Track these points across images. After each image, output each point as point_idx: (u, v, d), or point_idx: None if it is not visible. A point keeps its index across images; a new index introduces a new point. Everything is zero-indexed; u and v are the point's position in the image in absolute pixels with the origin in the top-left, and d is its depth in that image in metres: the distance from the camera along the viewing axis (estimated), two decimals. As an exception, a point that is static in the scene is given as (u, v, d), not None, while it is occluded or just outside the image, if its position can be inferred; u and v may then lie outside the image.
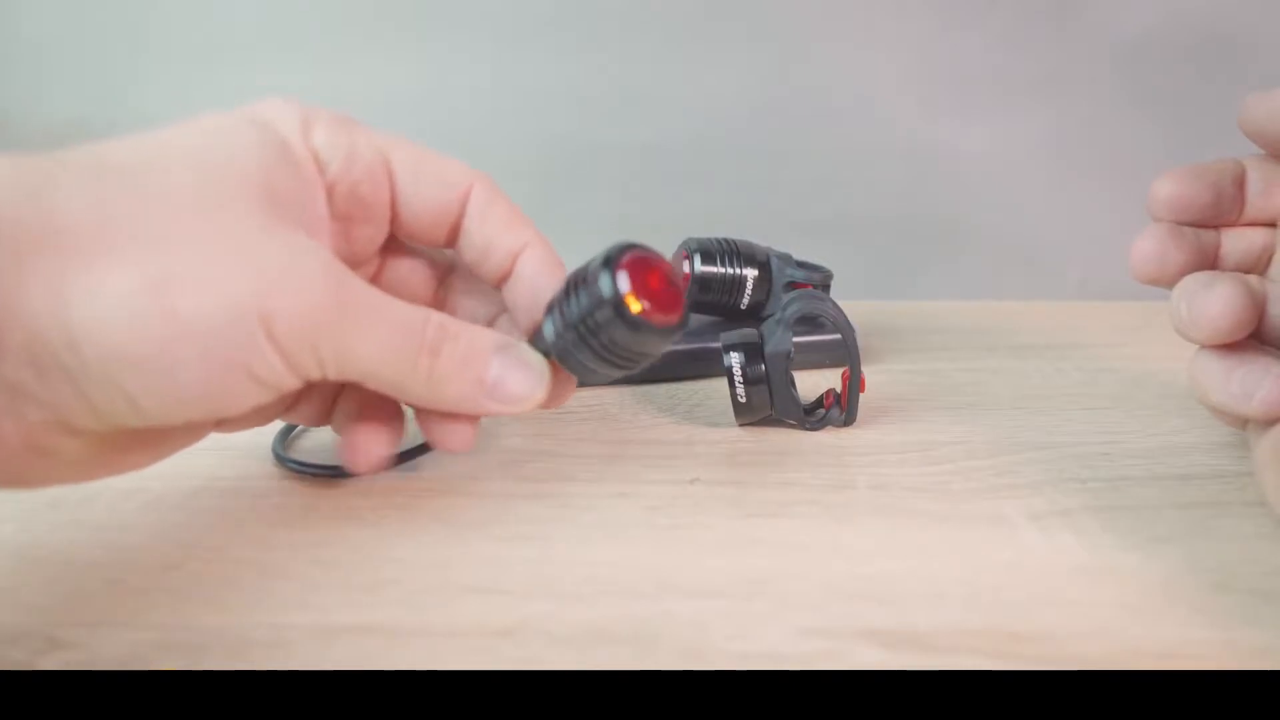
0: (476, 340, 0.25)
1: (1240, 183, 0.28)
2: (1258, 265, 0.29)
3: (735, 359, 0.31)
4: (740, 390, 0.32)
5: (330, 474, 0.29)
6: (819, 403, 0.33)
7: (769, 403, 0.32)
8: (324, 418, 0.28)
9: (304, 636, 0.21)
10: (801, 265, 0.39)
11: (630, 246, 0.25)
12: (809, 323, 0.37)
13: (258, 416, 0.27)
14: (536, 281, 0.27)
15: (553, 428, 0.33)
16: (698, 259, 0.37)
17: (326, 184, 0.25)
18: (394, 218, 0.27)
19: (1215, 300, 0.24)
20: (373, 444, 0.27)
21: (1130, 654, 0.21)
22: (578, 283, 0.25)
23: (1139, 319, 0.48)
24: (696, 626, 0.22)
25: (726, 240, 0.38)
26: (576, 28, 0.53)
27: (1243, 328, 0.24)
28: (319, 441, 0.32)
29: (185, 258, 0.20)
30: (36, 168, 0.20)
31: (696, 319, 0.40)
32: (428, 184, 0.27)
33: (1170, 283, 0.27)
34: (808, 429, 0.33)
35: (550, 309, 0.26)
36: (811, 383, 0.36)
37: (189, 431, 0.25)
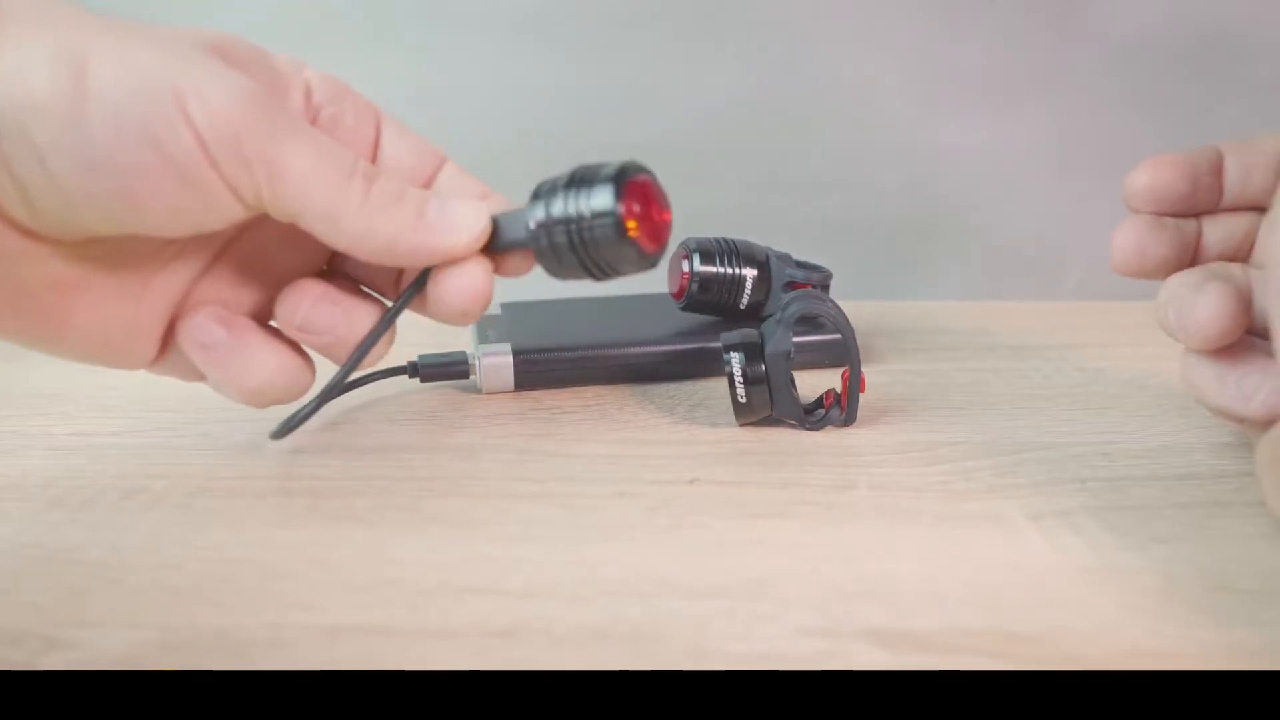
0: (412, 185, 0.25)
1: (1218, 170, 0.28)
2: (1239, 252, 0.29)
3: (735, 359, 0.31)
4: (740, 390, 0.32)
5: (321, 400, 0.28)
6: (819, 403, 0.33)
7: (769, 403, 0.32)
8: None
9: (304, 636, 0.21)
10: (801, 265, 0.39)
11: (640, 169, 0.26)
12: (809, 323, 0.37)
13: (197, 259, 0.26)
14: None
15: (553, 428, 0.33)
16: (697, 258, 0.37)
17: (314, 105, 0.26)
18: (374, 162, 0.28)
19: (1203, 306, 0.23)
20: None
21: (1130, 654, 0.21)
22: (579, 184, 0.25)
23: (1139, 319, 0.48)
24: (696, 626, 0.22)
25: (726, 240, 0.38)
26: (575, 27, 0.53)
27: (1233, 333, 0.24)
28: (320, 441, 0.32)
29: (106, 41, 0.21)
30: None
31: (696, 319, 0.40)
32: (409, 143, 0.28)
33: (1153, 274, 0.27)
34: (808, 429, 0.33)
35: (538, 197, 0.26)
36: (811, 383, 0.36)
37: (130, 276, 0.25)
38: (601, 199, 0.25)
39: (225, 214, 0.23)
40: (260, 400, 0.27)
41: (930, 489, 0.28)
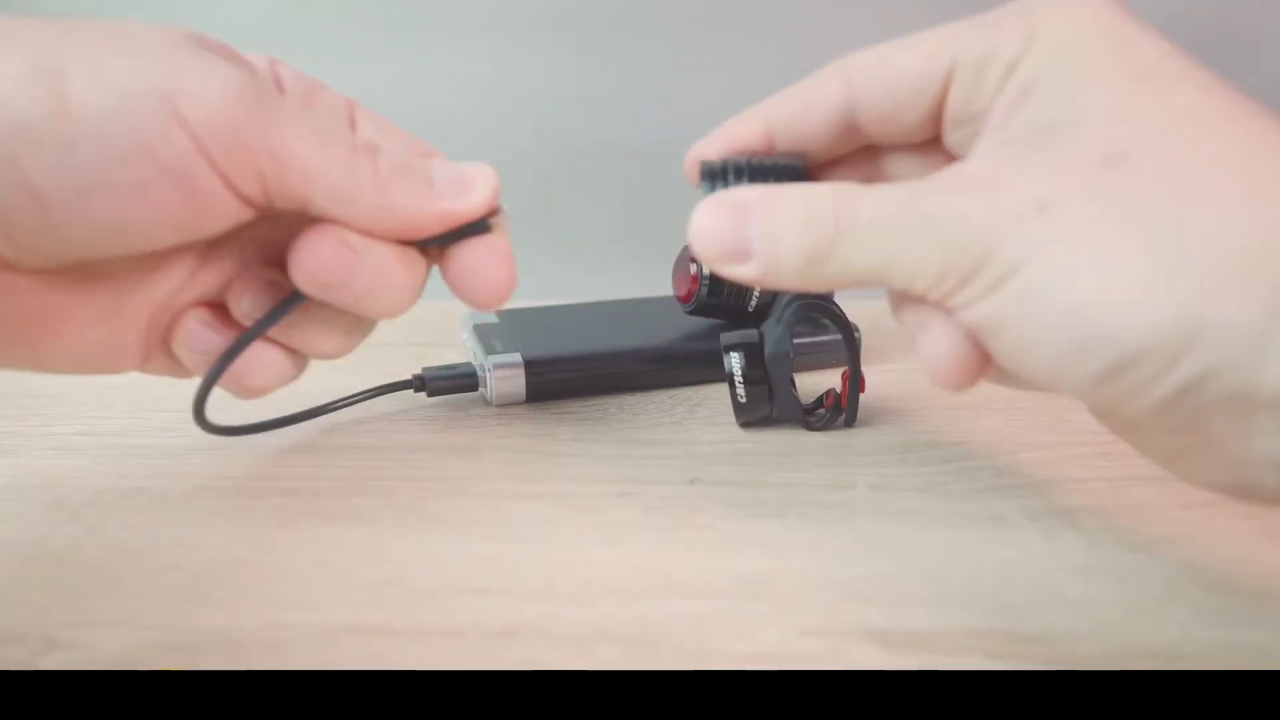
0: (405, 148, 0.24)
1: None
2: None
3: (735, 359, 0.31)
4: (740, 391, 0.32)
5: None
6: (819, 403, 0.33)
7: (769, 403, 0.32)
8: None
9: (304, 636, 0.21)
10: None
11: None
12: (809, 323, 0.37)
13: (176, 271, 0.25)
14: None
15: (553, 428, 0.33)
16: (704, 260, 0.37)
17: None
18: None
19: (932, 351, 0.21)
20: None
21: (1130, 654, 0.21)
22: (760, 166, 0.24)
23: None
24: (696, 626, 0.22)
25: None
26: (576, 28, 0.53)
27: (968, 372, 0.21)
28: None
29: (81, 49, 0.20)
30: None
31: (698, 323, 0.40)
32: (391, 138, 0.26)
33: None
34: (808, 429, 0.33)
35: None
36: (811, 383, 0.36)
37: (107, 297, 0.24)
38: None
39: (226, 217, 0.22)
40: (257, 396, 0.27)
41: (930, 489, 0.28)
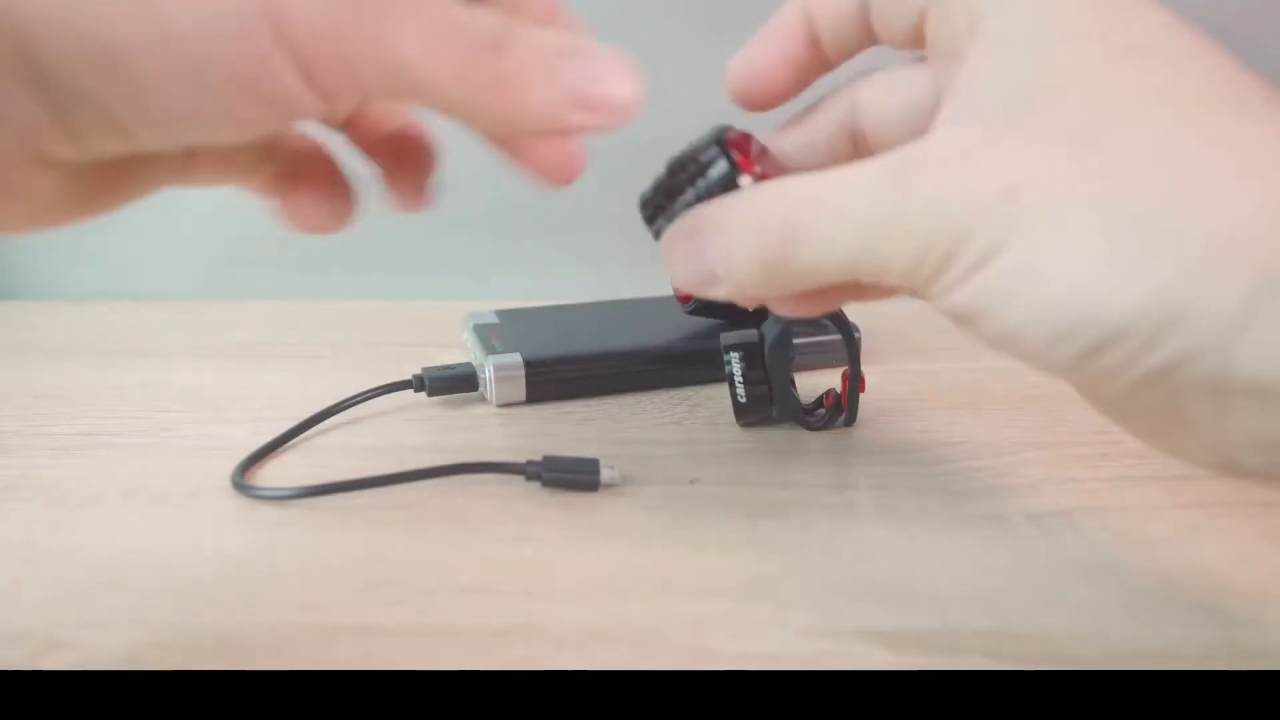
0: (550, 39, 0.20)
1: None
2: None
3: (735, 359, 0.31)
4: (740, 391, 0.32)
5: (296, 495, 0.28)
6: (819, 403, 0.33)
7: (769, 403, 0.32)
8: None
9: (304, 636, 0.21)
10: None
11: (727, 127, 0.24)
12: (809, 323, 0.37)
13: (244, 155, 0.23)
14: None
15: (553, 428, 0.33)
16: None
17: None
18: None
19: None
20: (314, 210, 0.23)
21: (1130, 654, 0.21)
22: (683, 173, 0.23)
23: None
24: (696, 627, 0.22)
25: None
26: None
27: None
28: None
29: None
30: None
31: (698, 323, 0.40)
32: None
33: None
34: (808, 429, 0.33)
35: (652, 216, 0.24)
36: (811, 383, 0.36)
37: (173, 169, 0.22)
38: (713, 170, 0.23)
39: (307, 117, 0.19)
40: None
41: (930, 489, 0.28)
